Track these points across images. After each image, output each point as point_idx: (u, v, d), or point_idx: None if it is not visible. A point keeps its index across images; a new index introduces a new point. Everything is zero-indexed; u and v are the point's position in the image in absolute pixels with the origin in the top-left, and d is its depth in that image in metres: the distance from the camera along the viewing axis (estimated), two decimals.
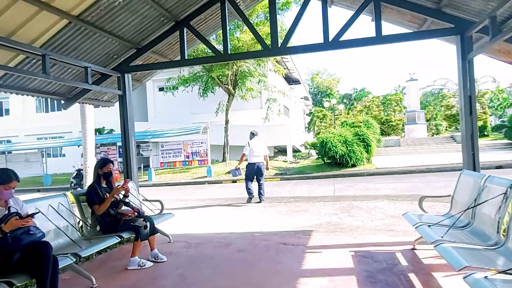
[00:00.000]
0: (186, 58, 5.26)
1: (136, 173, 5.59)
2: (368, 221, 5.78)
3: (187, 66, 6.14)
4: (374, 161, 17.12)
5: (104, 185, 4.27)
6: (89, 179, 9.31)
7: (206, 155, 17.53)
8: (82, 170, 17.58)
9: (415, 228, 3.56)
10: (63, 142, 20.95)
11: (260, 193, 8.79)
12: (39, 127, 27.19)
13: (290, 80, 32.32)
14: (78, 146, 23.77)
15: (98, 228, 4.21)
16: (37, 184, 20.40)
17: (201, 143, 17.59)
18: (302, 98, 41.66)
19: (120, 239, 3.81)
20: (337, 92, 45.84)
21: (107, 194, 4.14)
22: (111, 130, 23.67)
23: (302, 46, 4.94)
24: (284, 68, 27.67)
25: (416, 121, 27.85)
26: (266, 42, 5.18)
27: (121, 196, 4.32)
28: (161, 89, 24.84)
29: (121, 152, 18.43)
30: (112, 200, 4.13)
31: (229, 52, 5.06)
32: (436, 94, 36.32)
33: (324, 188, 11.24)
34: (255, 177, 8.89)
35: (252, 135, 9.30)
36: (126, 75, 5.42)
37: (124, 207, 4.28)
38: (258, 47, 19.38)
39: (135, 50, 5.40)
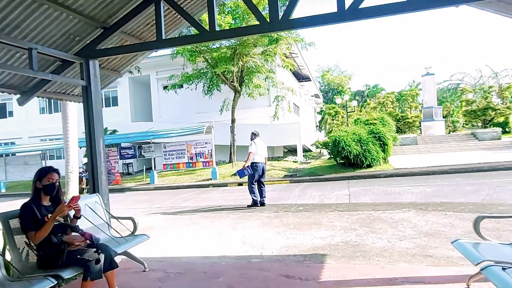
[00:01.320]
0: (163, 38, 4.17)
1: (105, 183, 4.51)
2: (396, 241, 4.60)
3: (164, 48, 4.96)
4: (391, 161, 15.82)
5: (46, 203, 3.21)
6: (72, 189, 8.28)
7: (211, 156, 16.49)
8: (82, 173, 16.81)
9: (481, 270, 2.39)
10: (60, 144, 20.09)
11: (262, 196, 8.50)
12: (43, 128, 26.61)
13: (300, 77, 31.12)
14: (80, 148, 23.15)
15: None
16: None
17: (205, 143, 16.56)
18: (312, 96, 40.37)
19: (56, 281, 2.73)
20: (348, 89, 44.32)
21: (49, 215, 3.09)
22: (114, 131, 22.89)
23: (309, 18, 3.79)
24: (293, 64, 26.51)
25: (434, 118, 26.32)
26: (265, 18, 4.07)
27: (71, 217, 3.25)
28: (165, 87, 23.93)
29: (122, 153, 17.52)
30: (56, 223, 3.08)
31: (216, 29, 3.95)
32: (453, 89, 34.56)
33: (338, 193, 10.05)
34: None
35: (254, 135, 8.65)
36: (91, 61, 4.36)
37: (73, 234, 3.21)
38: (266, 40, 18.41)
39: (102, 30, 4.34)
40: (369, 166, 14.43)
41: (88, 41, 4.43)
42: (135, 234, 4.08)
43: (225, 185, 14.86)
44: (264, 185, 8.62)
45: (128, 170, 22.73)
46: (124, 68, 5.53)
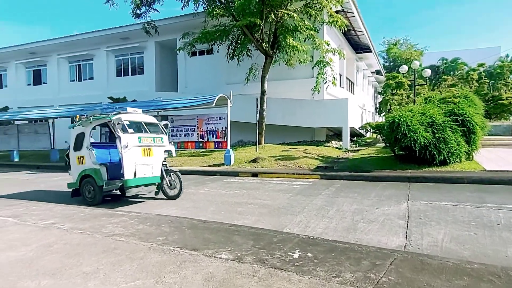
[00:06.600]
0: None
1: None
2: None
3: None
4: (477, 158, 10.86)
5: None
6: None
7: (225, 136, 12.82)
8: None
9: None
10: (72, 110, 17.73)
11: None
12: (72, 96, 25.04)
13: (358, 47, 25.81)
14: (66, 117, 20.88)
15: None
16: (44, 159, 17.80)
17: (219, 118, 12.90)
18: (373, 72, 34.46)
19: None
20: (419, 66, 37.27)
21: None
22: (134, 101, 20.22)
23: None
24: (350, 29, 21.43)
25: None
26: None
27: None
28: (193, 53, 20.55)
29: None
30: None
31: None
32: None
33: (387, 210, 5.82)
34: None
35: None
36: None
37: None
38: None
39: None
40: (443, 163, 9.75)
41: None
42: None
43: (235, 174, 11.20)
44: None
45: None
46: None
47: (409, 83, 21.86)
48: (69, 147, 14.30)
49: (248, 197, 7.54)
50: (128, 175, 6.57)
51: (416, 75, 20.13)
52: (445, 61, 34.17)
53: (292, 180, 9.74)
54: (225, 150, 12.71)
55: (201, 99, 12.35)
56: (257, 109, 14.73)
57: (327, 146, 15.94)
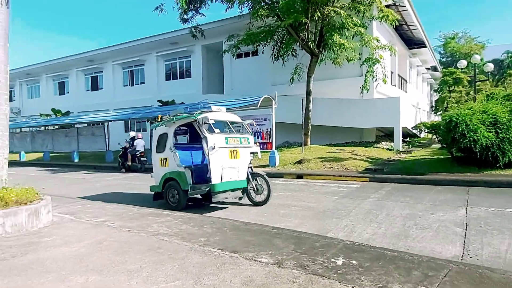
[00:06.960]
0: None
1: None
2: None
3: None
4: None
5: None
6: None
7: (270, 137, 12.76)
8: (128, 148, 15.01)
9: None
10: (124, 114, 18.77)
11: None
12: (125, 100, 26.52)
13: (411, 42, 24.47)
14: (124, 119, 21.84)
15: None
16: (100, 159, 19.00)
17: (264, 120, 12.88)
18: (428, 68, 32.49)
19: None
20: (481, 61, 34.39)
21: None
22: (182, 104, 20.92)
23: None
24: (402, 24, 20.36)
25: None
26: None
27: None
28: (239, 55, 20.78)
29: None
30: None
31: None
32: None
33: (443, 216, 5.37)
34: None
35: None
36: None
37: None
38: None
39: None
40: (508, 166, 8.85)
41: None
42: None
43: (280, 175, 11.10)
44: None
45: None
46: None
47: (469, 79, 20.25)
48: (122, 148, 15.25)
49: (292, 199, 7.41)
50: (215, 179, 6.08)
51: (477, 70, 18.51)
52: (510, 55, 31.15)
53: (339, 183, 9.42)
54: (270, 151, 12.65)
55: (245, 101, 12.41)
56: (302, 110, 14.49)
57: (376, 147, 15.25)
